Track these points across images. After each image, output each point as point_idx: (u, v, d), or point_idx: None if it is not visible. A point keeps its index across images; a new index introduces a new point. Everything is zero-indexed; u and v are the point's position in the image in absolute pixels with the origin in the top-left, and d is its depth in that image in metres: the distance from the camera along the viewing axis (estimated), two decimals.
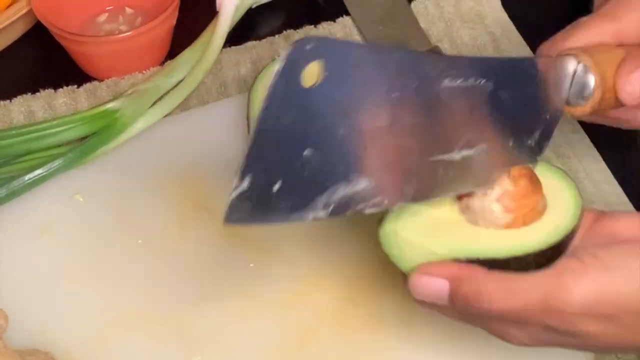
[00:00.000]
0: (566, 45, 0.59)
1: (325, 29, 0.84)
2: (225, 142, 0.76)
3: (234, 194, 0.47)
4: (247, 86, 0.78)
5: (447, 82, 0.52)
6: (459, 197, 0.57)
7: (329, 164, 0.49)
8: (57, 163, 0.73)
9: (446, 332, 0.64)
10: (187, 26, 0.83)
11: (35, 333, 0.66)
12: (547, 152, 0.75)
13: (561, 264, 0.53)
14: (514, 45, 0.82)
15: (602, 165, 0.75)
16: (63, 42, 0.81)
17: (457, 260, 0.54)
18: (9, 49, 0.86)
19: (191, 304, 0.67)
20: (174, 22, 0.82)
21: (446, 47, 0.82)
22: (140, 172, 0.75)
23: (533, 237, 0.55)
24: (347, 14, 0.85)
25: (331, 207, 0.50)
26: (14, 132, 0.75)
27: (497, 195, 0.56)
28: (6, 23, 0.82)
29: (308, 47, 0.46)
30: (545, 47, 0.60)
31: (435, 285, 0.53)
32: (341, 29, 0.84)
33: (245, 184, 0.47)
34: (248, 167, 0.47)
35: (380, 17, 0.84)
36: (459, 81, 0.53)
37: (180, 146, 0.76)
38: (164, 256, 0.70)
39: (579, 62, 0.57)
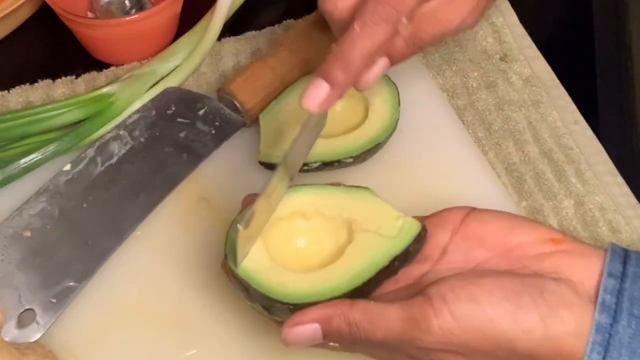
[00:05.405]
0: None
1: None
2: None
3: None
4: None
5: None
6: None
7: None
8: (52, 147, 0.73)
9: None
10: (193, 14, 0.82)
11: None
12: (549, 140, 0.75)
13: (415, 301, 0.55)
14: (528, 59, 0.82)
15: (605, 157, 0.75)
16: (71, 25, 0.81)
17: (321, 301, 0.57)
18: (7, 39, 0.85)
19: (190, 296, 0.67)
20: (180, 6, 0.82)
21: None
22: None
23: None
24: None
25: None
26: (9, 116, 0.75)
27: None
28: (6, 11, 0.81)
29: None
30: None
31: (308, 331, 0.56)
32: None
33: None
34: None
35: None
36: None
37: None
38: (163, 248, 0.70)
39: None
